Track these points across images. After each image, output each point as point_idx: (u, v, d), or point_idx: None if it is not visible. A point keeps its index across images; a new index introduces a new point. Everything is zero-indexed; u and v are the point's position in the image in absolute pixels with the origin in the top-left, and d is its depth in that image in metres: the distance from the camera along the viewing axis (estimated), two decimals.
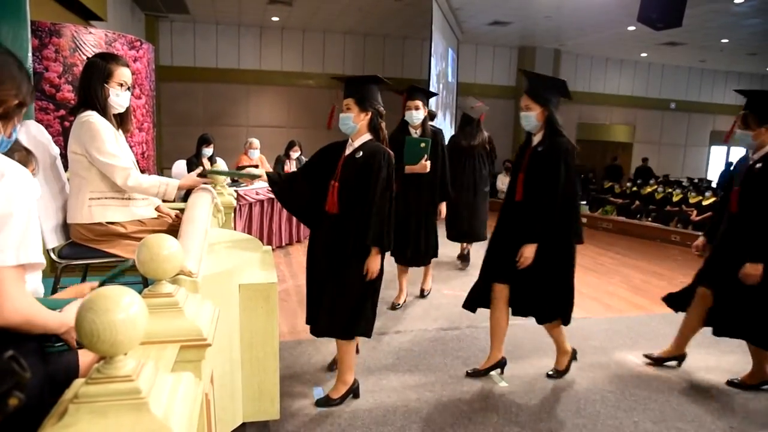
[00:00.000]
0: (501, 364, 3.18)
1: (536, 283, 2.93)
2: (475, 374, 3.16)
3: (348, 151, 2.72)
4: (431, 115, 4.60)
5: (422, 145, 3.77)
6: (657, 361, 3.42)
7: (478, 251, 6.27)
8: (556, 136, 2.91)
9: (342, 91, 2.77)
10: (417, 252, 4.24)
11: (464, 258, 5.94)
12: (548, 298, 2.97)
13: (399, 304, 4.40)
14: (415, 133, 4.04)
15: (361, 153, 2.65)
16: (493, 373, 3.20)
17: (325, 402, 2.77)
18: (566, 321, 3.10)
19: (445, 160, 4.31)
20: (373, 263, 2.60)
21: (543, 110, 2.92)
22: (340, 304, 2.63)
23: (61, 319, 1.28)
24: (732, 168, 3.09)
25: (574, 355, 3.27)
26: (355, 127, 2.68)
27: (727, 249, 3.09)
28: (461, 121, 5.77)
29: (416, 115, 4.01)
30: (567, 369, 3.23)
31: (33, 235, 1.20)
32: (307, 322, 2.83)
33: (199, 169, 2.74)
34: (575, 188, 2.92)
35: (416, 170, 3.82)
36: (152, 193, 2.39)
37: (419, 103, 4.01)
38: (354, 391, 2.85)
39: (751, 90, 3.17)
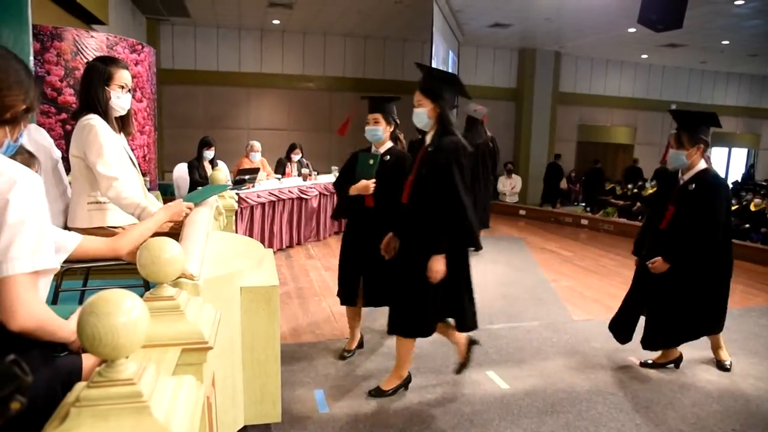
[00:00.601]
0: None
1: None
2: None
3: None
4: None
5: (370, 162, 3.38)
6: (655, 366, 3.43)
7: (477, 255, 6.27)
8: (446, 134, 2.69)
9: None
10: None
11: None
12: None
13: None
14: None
15: (388, 156, 3.24)
16: (494, 375, 3.20)
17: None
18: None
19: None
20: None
21: (435, 107, 2.69)
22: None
23: (73, 329, 1.27)
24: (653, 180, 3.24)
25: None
26: (382, 137, 3.26)
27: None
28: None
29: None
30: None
31: (46, 240, 1.21)
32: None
33: (181, 200, 2.60)
34: (463, 190, 2.64)
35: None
36: (128, 211, 2.33)
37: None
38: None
39: (682, 110, 3.21)
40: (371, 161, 3.27)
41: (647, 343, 3.26)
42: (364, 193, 3.21)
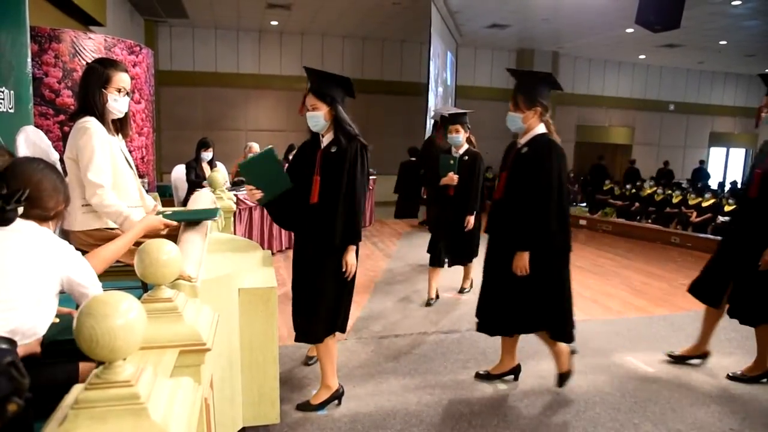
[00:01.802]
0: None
1: None
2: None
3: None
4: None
5: (451, 162, 4.38)
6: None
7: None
8: (346, 136, 2.64)
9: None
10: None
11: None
12: None
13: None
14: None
15: (466, 156, 3.74)
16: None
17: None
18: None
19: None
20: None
21: (330, 109, 2.64)
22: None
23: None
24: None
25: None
26: (463, 141, 3.72)
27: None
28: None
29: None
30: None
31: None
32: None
33: (164, 211, 2.54)
34: (364, 188, 2.71)
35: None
36: (111, 219, 2.30)
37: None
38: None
39: (519, 69, 3.05)
40: (451, 161, 4.36)
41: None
42: (449, 183, 4.35)
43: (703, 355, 3.44)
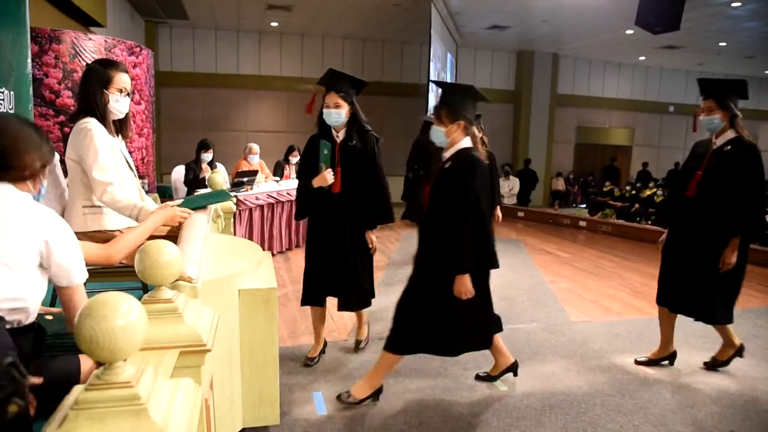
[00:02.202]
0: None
1: None
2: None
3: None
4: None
5: (325, 151, 3.24)
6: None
7: None
8: (361, 130, 3.11)
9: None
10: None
11: None
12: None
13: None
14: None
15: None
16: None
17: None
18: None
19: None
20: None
21: (350, 107, 3.10)
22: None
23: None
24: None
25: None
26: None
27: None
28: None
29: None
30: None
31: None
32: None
33: (177, 201, 2.61)
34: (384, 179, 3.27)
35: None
36: (125, 213, 2.32)
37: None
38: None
39: (445, 82, 3.04)
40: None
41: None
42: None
43: (671, 357, 3.46)
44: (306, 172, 3.25)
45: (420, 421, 2.69)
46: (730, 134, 3.15)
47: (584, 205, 12.99)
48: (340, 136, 3.16)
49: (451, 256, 2.61)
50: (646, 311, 4.64)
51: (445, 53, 10.84)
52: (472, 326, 2.78)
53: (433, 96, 9.93)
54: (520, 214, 11.14)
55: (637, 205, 10.08)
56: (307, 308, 3.41)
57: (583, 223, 10.04)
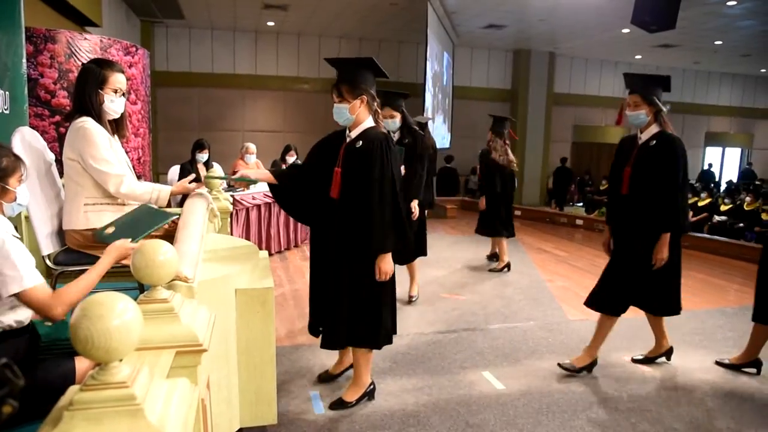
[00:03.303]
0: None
1: None
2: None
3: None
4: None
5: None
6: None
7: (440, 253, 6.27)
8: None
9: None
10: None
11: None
12: None
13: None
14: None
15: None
16: (490, 376, 3.21)
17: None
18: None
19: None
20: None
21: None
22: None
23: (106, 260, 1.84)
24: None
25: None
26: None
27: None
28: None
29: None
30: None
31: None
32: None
33: (192, 176, 2.74)
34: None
35: None
36: (145, 199, 2.40)
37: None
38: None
39: (336, 58, 2.70)
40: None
41: None
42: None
43: (668, 353, 3.49)
44: None
45: (418, 420, 2.69)
46: (654, 128, 3.21)
47: (581, 204, 13.02)
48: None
49: (371, 237, 2.53)
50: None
51: (441, 52, 10.84)
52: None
53: (430, 96, 9.94)
54: (517, 212, 11.15)
55: None
56: (303, 309, 3.41)
57: (580, 222, 10.05)
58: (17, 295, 1.55)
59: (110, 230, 1.98)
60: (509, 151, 5.80)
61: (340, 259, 2.63)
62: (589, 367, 3.28)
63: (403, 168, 3.88)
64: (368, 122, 2.67)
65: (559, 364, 3.30)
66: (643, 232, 3.14)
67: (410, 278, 4.68)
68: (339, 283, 2.63)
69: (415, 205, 4.13)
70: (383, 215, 2.53)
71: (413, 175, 4.16)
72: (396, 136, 3.97)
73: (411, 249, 4.29)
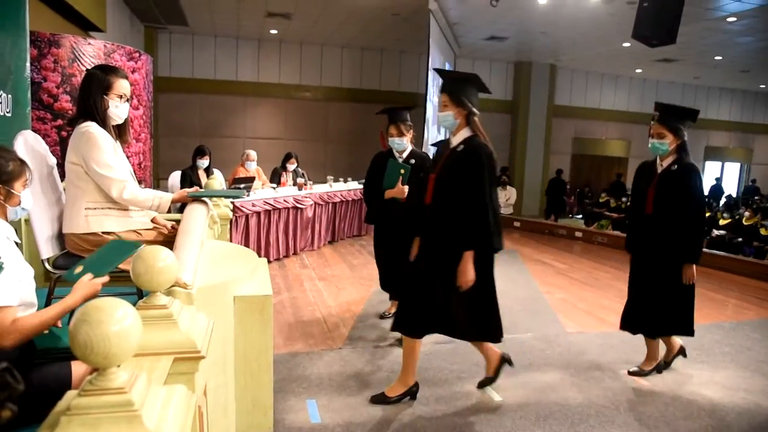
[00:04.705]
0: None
1: None
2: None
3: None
4: None
5: (401, 171, 3.78)
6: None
7: None
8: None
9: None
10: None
11: None
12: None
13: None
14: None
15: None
16: (487, 387, 3.20)
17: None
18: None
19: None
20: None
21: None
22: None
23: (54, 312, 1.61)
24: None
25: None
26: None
27: None
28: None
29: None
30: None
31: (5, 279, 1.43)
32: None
33: (196, 188, 2.76)
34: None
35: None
36: (147, 206, 2.41)
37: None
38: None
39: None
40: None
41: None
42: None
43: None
44: None
45: (414, 430, 2.68)
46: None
47: (580, 216, 13.02)
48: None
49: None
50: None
51: (443, 63, 10.89)
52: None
53: (431, 106, 9.97)
54: (516, 224, 11.15)
55: None
56: (301, 316, 3.41)
57: (579, 234, 10.06)
58: None
59: (78, 269, 1.86)
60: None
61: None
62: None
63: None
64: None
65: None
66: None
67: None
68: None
69: None
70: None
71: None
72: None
73: None
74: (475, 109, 2.86)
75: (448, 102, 2.88)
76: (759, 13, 8.19)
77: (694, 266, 3.21)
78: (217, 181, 4.03)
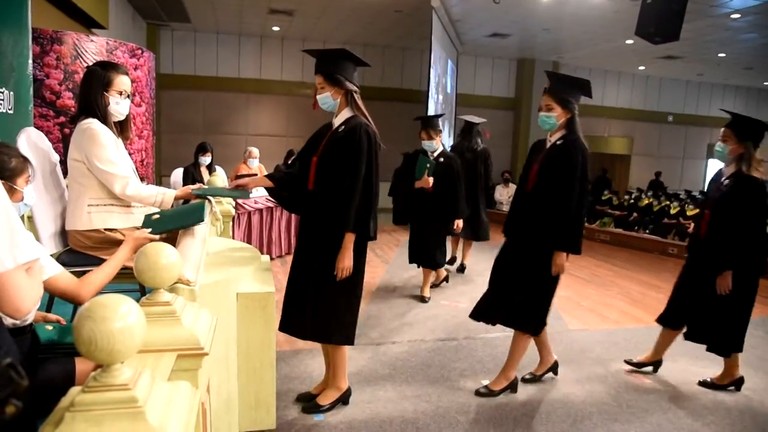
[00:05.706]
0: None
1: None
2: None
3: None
4: None
5: (428, 165, 4.54)
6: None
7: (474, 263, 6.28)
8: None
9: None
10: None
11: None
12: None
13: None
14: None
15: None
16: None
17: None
18: None
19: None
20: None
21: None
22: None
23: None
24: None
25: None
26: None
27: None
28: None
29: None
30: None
31: (20, 233, 1.21)
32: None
33: (199, 185, 2.76)
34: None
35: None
36: (149, 202, 2.42)
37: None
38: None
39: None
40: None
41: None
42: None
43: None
44: None
45: (417, 428, 2.69)
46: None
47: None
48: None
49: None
50: (643, 320, 4.64)
51: (445, 60, 10.87)
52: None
53: (433, 102, 9.96)
54: None
55: (635, 214, 10.09)
56: None
57: None
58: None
59: (156, 217, 2.15)
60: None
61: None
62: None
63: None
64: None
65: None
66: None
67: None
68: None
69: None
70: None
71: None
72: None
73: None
74: (353, 87, 2.72)
75: (323, 83, 2.75)
76: (763, 9, 8.15)
77: (565, 255, 3.03)
78: (220, 178, 4.03)
